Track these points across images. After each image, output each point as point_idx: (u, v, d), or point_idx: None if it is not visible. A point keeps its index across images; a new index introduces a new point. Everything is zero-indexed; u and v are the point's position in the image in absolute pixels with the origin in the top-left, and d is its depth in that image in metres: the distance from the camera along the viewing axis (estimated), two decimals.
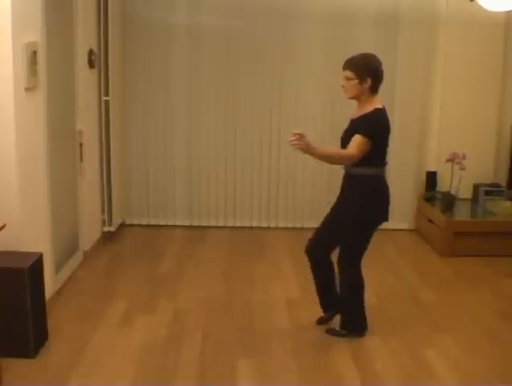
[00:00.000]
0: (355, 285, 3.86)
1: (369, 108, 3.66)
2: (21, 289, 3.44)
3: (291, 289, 4.71)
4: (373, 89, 3.66)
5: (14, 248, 3.66)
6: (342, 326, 3.93)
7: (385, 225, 3.88)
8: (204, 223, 6.25)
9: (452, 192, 5.80)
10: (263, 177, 6.22)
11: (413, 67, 6.01)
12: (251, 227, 6.27)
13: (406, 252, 5.71)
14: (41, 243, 4.03)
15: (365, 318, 3.94)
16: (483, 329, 4.11)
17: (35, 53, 3.80)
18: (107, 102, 5.40)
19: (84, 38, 4.96)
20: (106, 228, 5.63)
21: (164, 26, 5.86)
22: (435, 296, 4.61)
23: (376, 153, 3.65)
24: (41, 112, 4.02)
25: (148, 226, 6.20)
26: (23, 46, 3.65)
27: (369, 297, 4.23)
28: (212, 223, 6.26)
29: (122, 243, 5.74)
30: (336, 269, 3.89)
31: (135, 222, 6.22)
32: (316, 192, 6.22)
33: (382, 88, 3.74)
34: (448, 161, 5.80)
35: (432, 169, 6.18)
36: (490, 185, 6.03)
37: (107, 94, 5.39)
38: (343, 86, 3.71)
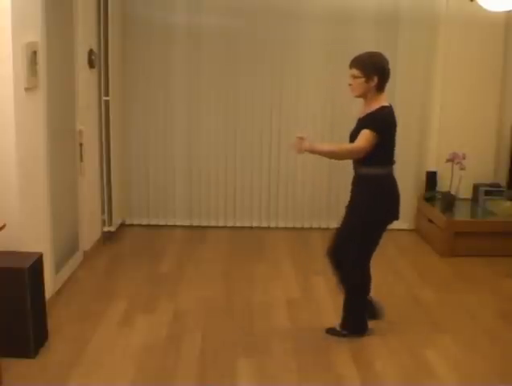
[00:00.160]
0: (357, 286, 3.86)
1: (375, 106, 3.67)
2: (21, 289, 3.44)
3: (291, 289, 4.71)
4: (380, 87, 3.67)
5: (14, 248, 3.66)
6: (343, 325, 3.93)
7: None
8: (204, 223, 6.25)
9: (452, 192, 5.80)
10: (263, 177, 6.22)
11: (413, 67, 6.01)
12: (251, 227, 6.27)
13: (406, 252, 5.71)
14: (41, 243, 4.03)
15: (365, 318, 3.93)
16: (483, 329, 4.11)
17: (35, 53, 3.80)
18: (107, 102, 5.40)
19: (84, 38, 4.96)
20: (106, 228, 5.63)
21: (164, 26, 5.86)
22: (435, 296, 4.61)
23: (383, 152, 3.65)
24: (41, 112, 4.02)
25: (148, 226, 6.20)
26: (23, 46, 3.65)
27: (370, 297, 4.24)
28: (212, 223, 6.26)
29: (122, 243, 5.74)
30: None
31: (135, 222, 6.22)
32: (316, 192, 6.22)
33: None
34: (447, 161, 5.80)
35: (432, 169, 6.18)
36: (490, 185, 6.03)
37: (107, 94, 5.39)
38: (350, 84, 3.71)
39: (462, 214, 5.86)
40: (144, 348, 3.71)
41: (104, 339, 3.81)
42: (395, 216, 3.78)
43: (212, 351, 3.71)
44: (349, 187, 3.92)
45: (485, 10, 4.91)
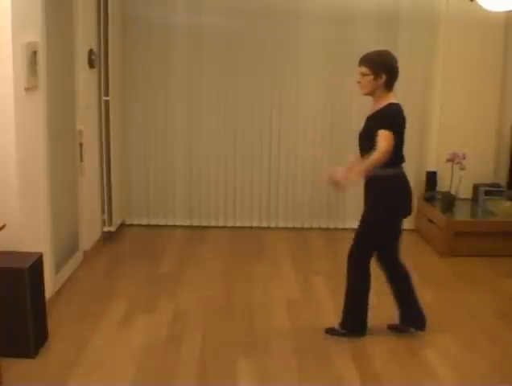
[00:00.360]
0: (357, 286, 3.87)
1: (383, 103, 3.68)
2: (21, 289, 3.44)
3: (291, 289, 4.71)
4: (388, 86, 3.68)
5: (14, 248, 3.66)
6: (342, 325, 3.93)
7: None
8: (204, 223, 6.26)
9: (452, 192, 5.81)
10: (263, 177, 6.22)
11: (413, 67, 6.00)
12: (251, 227, 6.27)
13: (406, 252, 5.65)
14: (41, 243, 4.03)
15: (365, 318, 3.93)
16: (483, 329, 4.11)
17: (35, 53, 3.80)
18: (107, 102, 5.40)
19: (84, 38, 4.96)
20: (106, 228, 5.63)
21: (164, 26, 5.86)
22: (435, 296, 4.61)
23: (394, 152, 3.65)
24: (41, 112, 4.02)
25: (148, 226, 6.20)
26: (23, 46, 3.65)
27: (370, 297, 4.23)
28: (212, 223, 6.26)
29: (122, 243, 5.74)
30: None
31: (135, 222, 6.22)
32: (316, 192, 6.22)
33: None
34: (447, 161, 5.80)
35: (432, 169, 6.18)
36: (490, 185, 6.03)
37: (107, 94, 5.39)
38: (358, 82, 3.72)
39: (462, 214, 5.86)
40: (144, 348, 3.71)
41: (104, 339, 3.81)
42: (408, 212, 3.84)
43: (212, 351, 3.71)
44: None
45: (485, 10, 4.91)
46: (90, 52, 5.10)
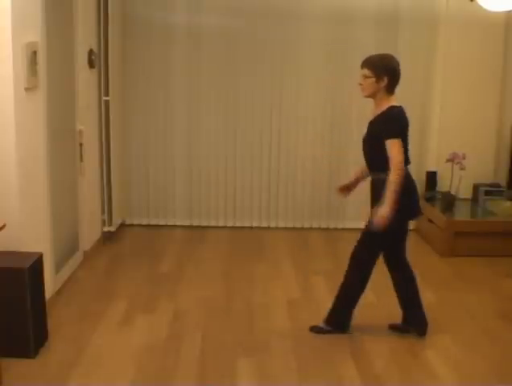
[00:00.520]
0: (353, 287, 3.87)
1: (384, 106, 3.69)
2: (21, 289, 3.44)
3: (291, 289, 4.71)
4: (390, 89, 3.69)
5: (14, 248, 3.67)
6: (328, 321, 3.94)
7: None
8: (204, 223, 6.25)
9: (452, 192, 5.80)
10: (263, 177, 6.22)
11: (413, 67, 6.00)
12: (251, 227, 6.27)
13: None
14: (41, 243, 4.03)
15: (351, 317, 3.94)
16: (483, 329, 4.11)
17: (35, 53, 3.80)
18: (107, 102, 5.40)
19: (84, 38, 4.96)
20: (106, 228, 5.63)
21: (164, 26, 5.86)
22: (435, 296, 4.61)
23: None
24: (41, 112, 4.02)
25: (148, 226, 6.20)
26: (23, 46, 3.65)
27: (369, 297, 4.24)
28: (212, 223, 6.26)
29: (122, 243, 5.74)
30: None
31: (135, 222, 6.22)
32: (316, 192, 6.22)
33: None
34: (447, 161, 5.80)
35: (432, 169, 6.18)
36: (490, 185, 6.03)
37: (107, 94, 5.39)
38: (360, 84, 3.73)
39: (462, 214, 5.87)
40: (144, 348, 3.71)
41: (104, 339, 3.81)
42: (417, 213, 3.87)
43: (212, 351, 3.71)
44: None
45: (485, 10, 4.91)
46: (90, 52, 5.10)
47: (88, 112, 5.12)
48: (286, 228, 6.27)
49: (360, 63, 3.75)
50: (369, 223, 3.79)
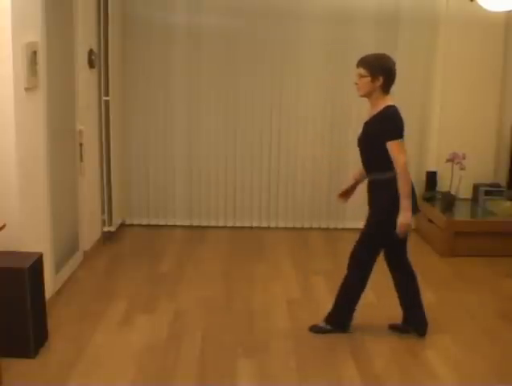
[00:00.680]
0: (354, 286, 3.87)
1: (380, 106, 3.69)
2: (21, 289, 3.44)
3: (291, 289, 4.71)
4: (385, 88, 3.68)
5: (14, 248, 3.67)
6: (328, 320, 3.95)
7: None
8: (204, 223, 6.25)
9: (452, 192, 5.80)
10: (263, 177, 6.22)
11: (413, 67, 6.00)
12: (251, 227, 6.27)
13: None
14: (41, 243, 4.03)
15: (352, 316, 3.94)
16: (483, 329, 4.11)
17: (35, 53, 3.80)
18: (107, 102, 5.40)
19: (84, 38, 4.96)
20: (106, 228, 5.63)
21: (164, 26, 5.86)
22: (435, 296, 4.61)
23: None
24: (41, 112, 4.02)
25: (148, 226, 6.20)
26: (23, 46, 3.65)
27: (369, 297, 4.24)
28: (212, 223, 6.26)
29: (122, 243, 5.74)
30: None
31: (135, 222, 6.22)
32: (316, 192, 6.22)
33: None
34: (447, 161, 5.80)
35: (432, 169, 6.18)
36: (490, 185, 6.03)
37: (107, 94, 5.39)
38: (356, 83, 3.73)
39: (462, 214, 5.87)
40: (144, 348, 3.71)
41: (104, 339, 3.81)
42: (415, 210, 3.82)
43: (212, 351, 3.71)
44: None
45: (485, 10, 4.91)
46: (90, 52, 5.10)
47: (88, 112, 5.12)
48: (286, 228, 6.27)
49: None
50: (367, 223, 3.79)
